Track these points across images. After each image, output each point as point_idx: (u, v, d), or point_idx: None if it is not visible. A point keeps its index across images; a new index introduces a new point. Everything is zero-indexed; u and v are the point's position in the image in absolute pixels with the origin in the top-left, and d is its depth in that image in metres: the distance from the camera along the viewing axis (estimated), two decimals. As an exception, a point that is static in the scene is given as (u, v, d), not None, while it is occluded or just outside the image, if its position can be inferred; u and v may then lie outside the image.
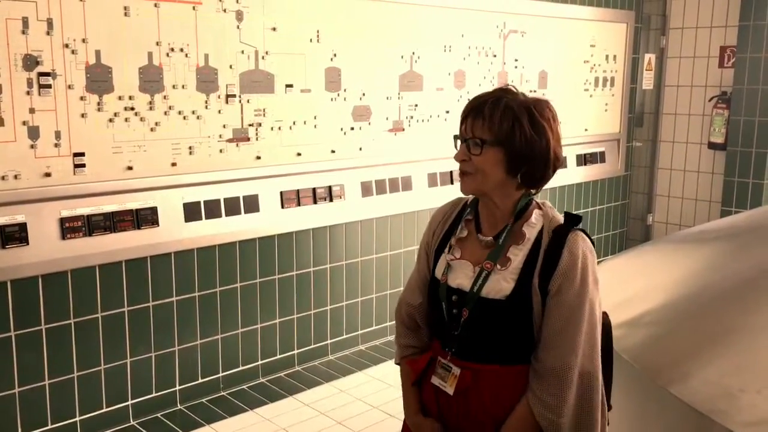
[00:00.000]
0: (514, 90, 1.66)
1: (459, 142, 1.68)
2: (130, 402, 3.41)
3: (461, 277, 1.67)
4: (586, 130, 5.59)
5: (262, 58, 3.62)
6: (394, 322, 2.03)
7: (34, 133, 2.96)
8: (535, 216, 1.67)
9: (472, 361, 1.65)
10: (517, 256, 1.63)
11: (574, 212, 1.73)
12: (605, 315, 1.73)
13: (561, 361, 1.57)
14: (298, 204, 3.87)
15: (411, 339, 1.83)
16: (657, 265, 2.78)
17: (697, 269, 2.58)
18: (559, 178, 5.26)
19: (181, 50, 3.33)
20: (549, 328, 1.59)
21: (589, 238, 1.67)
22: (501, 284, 1.61)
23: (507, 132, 1.59)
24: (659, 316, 2.21)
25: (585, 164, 5.66)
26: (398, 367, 1.89)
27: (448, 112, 4.55)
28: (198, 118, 3.44)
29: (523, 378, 1.64)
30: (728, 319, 2.03)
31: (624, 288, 2.50)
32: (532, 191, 1.69)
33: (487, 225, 1.70)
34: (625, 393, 1.99)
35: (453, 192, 1.86)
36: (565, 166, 5.42)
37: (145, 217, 3.31)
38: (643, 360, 1.96)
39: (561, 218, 1.67)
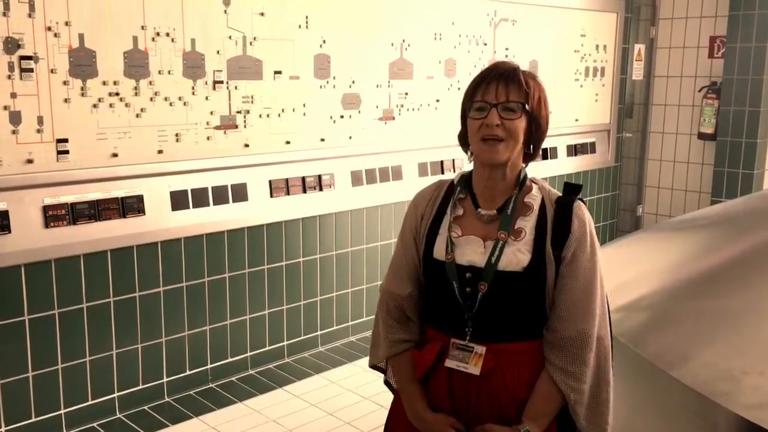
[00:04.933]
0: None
1: (483, 113, 1.59)
2: (116, 394, 3.35)
3: (470, 253, 1.62)
4: (576, 120, 5.55)
5: (250, 43, 3.56)
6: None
7: (15, 118, 2.89)
8: (534, 189, 1.67)
9: (491, 341, 1.60)
10: (527, 227, 1.62)
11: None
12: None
13: (581, 329, 1.57)
14: (288, 193, 3.81)
15: (403, 333, 1.72)
16: (651, 252, 2.75)
17: (692, 253, 2.54)
18: (550, 169, 5.22)
19: (167, 35, 3.26)
20: (566, 298, 1.58)
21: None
22: (517, 256, 1.59)
23: (538, 102, 1.62)
24: (657, 299, 2.17)
25: (575, 155, 5.63)
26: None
27: (438, 100, 4.50)
28: (185, 104, 3.37)
29: (539, 353, 1.62)
30: (728, 301, 2.00)
31: (618, 274, 2.45)
32: (524, 165, 1.69)
33: (484, 200, 1.67)
34: (624, 377, 1.95)
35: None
36: (556, 157, 5.39)
37: (131, 206, 3.23)
38: (642, 343, 1.92)
39: (556, 191, 1.68)
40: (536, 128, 1.62)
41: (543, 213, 1.62)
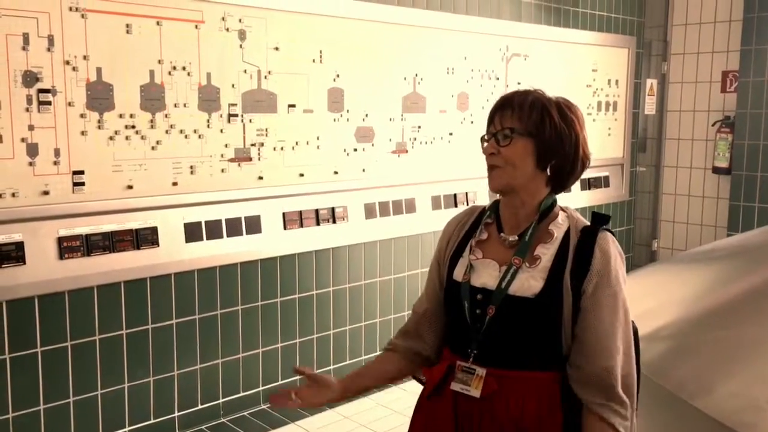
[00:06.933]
0: (541, 91, 1.65)
1: (485, 143, 1.65)
2: (127, 429, 3.31)
3: (485, 276, 1.62)
4: (589, 154, 5.54)
5: (265, 77, 3.59)
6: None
7: (32, 150, 2.91)
8: (561, 217, 1.64)
9: (496, 366, 1.58)
10: (546, 254, 1.59)
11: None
12: (632, 323, 1.67)
13: (606, 365, 1.52)
14: (301, 225, 3.81)
15: (400, 338, 1.81)
16: (669, 283, 2.72)
17: (711, 284, 2.51)
18: (563, 202, 5.19)
19: (183, 69, 3.30)
20: (590, 335, 1.54)
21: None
22: (530, 282, 1.56)
23: (537, 122, 1.58)
24: (677, 329, 2.14)
25: (589, 188, 5.61)
26: (402, 394, 1.84)
27: (451, 134, 4.52)
28: (200, 137, 3.39)
29: (548, 386, 1.57)
30: (749, 330, 1.96)
31: (636, 305, 2.42)
32: (558, 191, 1.66)
33: (508, 226, 1.66)
34: (645, 408, 1.91)
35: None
36: (570, 191, 5.36)
37: (145, 237, 3.24)
38: (663, 374, 1.89)
39: (586, 221, 1.64)
40: (549, 149, 1.58)
41: (566, 242, 1.59)
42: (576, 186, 5.44)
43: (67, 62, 2.96)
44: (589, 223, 1.62)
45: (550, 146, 1.58)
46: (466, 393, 1.58)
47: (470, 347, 1.60)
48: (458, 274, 1.66)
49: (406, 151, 4.29)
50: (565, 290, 1.55)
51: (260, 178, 3.62)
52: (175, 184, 3.32)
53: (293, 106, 3.72)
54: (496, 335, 1.58)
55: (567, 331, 1.56)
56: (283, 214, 3.74)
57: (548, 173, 1.61)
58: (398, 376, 1.83)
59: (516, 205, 1.63)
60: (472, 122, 4.59)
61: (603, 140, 5.69)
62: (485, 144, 1.64)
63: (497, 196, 1.71)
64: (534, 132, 1.57)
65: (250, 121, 3.56)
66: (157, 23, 3.19)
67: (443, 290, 1.71)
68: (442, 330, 1.76)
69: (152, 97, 3.22)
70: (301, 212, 3.81)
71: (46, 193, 2.96)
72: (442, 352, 1.74)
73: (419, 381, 1.85)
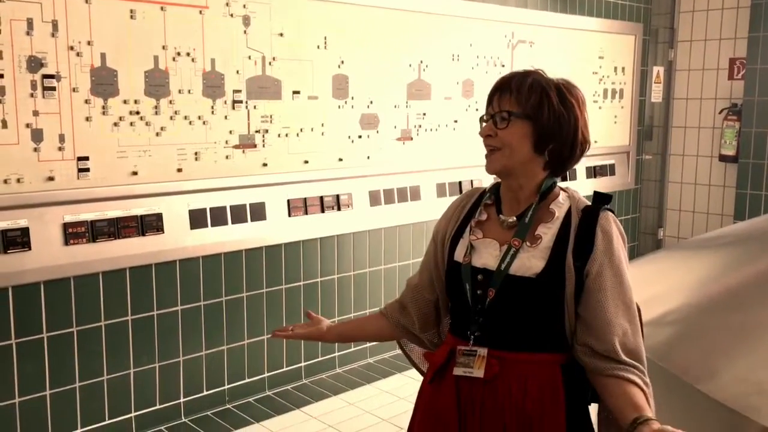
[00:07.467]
0: (542, 71, 1.62)
1: (483, 125, 1.64)
2: (133, 414, 3.33)
3: (486, 257, 1.60)
4: (595, 141, 5.52)
5: (269, 63, 3.58)
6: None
7: (37, 136, 2.91)
8: (562, 196, 1.62)
9: (497, 348, 1.57)
10: (547, 234, 1.57)
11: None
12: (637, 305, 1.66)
13: (614, 341, 1.51)
14: (306, 212, 3.81)
15: (394, 309, 1.83)
16: (675, 268, 2.70)
17: (716, 270, 2.50)
18: (569, 190, 5.18)
19: (188, 54, 3.29)
20: (594, 314, 1.52)
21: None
22: (531, 262, 1.55)
23: (535, 105, 1.55)
24: (682, 314, 2.13)
25: (595, 176, 5.60)
26: (407, 381, 1.84)
27: (456, 121, 4.50)
28: (204, 123, 3.39)
29: (551, 368, 1.56)
30: (755, 315, 1.95)
31: (641, 291, 2.41)
32: (557, 175, 1.63)
33: (508, 207, 1.65)
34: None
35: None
36: (575, 178, 5.36)
37: (150, 224, 3.24)
38: (668, 358, 1.88)
39: (587, 200, 1.62)
40: (547, 132, 1.56)
41: (567, 221, 1.58)
42: (581, 174, 5.43)
43: (72, 48, 2.96)
44: (590, 203, 1.61)
45: (549, 130, 1.56)
46: (469, 375, 1.57)
47: (470, 329, 1.60)
48: (459, 255, 1.65)
49: (411, 139, 4.28)
50: (567, 270, 1.54)
51: (265, 164, 3.62)
52: (179, 170, 3.32)
53: (298, 92, 3.71)
54: (498, 316, 1.57)
55: (570, 310, 1.55)
56: (288, 201, 3.74)
57: (546, 157, 1.59)
58: (382, 339, 1.94)
59: (515, 188, 1.62)
60: (477, 109, 4.57)
61: (609, 128, 5.67)
62: (483, 125, 1.64)
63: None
64: (532, 115, 1.55)
65: (255, 107, 3.55)
66: (162, 8, 3.18)
67: (444, 272, 1.70)
68: (426, 307, 1.77)
69: (156, 83, 3.21)
70: (305, 199, 3.80)
71: (51, 179, 2.96)
72: (429, 331, 1.78)
73: (421, 372, 1.86)
